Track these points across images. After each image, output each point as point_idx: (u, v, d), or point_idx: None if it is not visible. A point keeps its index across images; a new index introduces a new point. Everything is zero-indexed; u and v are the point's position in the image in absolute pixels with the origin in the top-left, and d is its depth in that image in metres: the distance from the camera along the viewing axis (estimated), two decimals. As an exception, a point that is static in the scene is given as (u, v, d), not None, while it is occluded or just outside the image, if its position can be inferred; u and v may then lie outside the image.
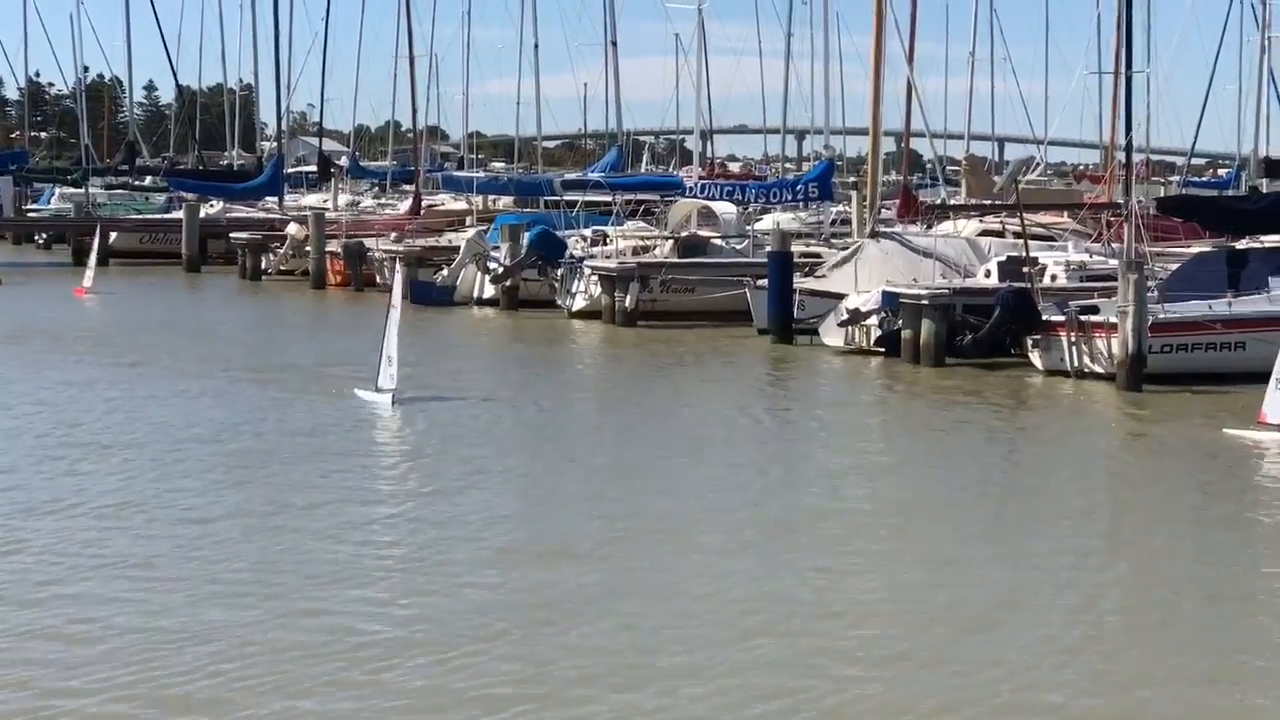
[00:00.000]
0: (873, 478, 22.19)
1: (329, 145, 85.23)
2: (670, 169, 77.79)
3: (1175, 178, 67.82)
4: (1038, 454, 24.18)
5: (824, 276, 38.62)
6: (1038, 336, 31.72)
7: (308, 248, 53.42)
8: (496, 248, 46.02)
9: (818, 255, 42.13)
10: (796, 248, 40.45)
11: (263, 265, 56.15)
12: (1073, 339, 31.12)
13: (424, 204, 60.48)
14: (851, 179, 60.67)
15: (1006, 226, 40.33)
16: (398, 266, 31.80)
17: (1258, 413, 24.73)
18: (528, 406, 27.74)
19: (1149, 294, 30.38)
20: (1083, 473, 22.66)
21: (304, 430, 24.60)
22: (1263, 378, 29.24)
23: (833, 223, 50.48)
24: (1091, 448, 25.01)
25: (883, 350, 34.32)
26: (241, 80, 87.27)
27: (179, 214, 62.85)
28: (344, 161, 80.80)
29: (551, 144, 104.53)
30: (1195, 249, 36.47)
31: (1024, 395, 29.76)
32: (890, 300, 34.29)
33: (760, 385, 31.73)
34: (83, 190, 71.85)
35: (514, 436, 24.70)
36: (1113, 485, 22.42)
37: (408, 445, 24.06)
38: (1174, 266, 34.25)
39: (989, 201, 46.53)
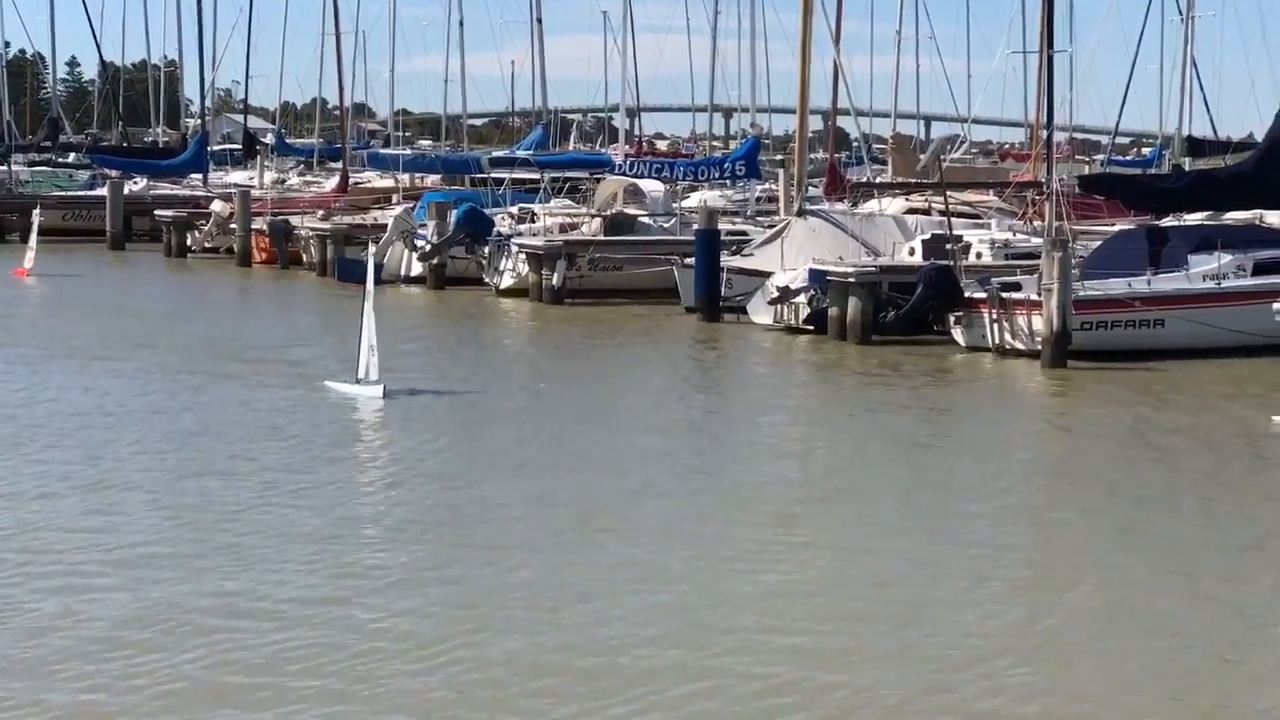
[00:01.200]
0: (792, 457, 22.39)
1: (254, 122, 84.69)
2: (598, 147, 77.63)
3: (1100, 156, 68.28)
4: (967, 433, 24.41)
5: (751, 255, 38.77)
6: (960, 313, 31.97)
7: (233, 225, 53.18)
8: (424, 225, 45.92)
9: (744, 233, 42.27)
10: (723, 226, 40.58)
11: (188, 243, 55.85)
12: (994, 316, 31.40)
13: (350, 181, 60.27)
14: (779, 157, 60.78)
15: (932, 205, 40.55)
16: (370, 248, 31.02)
17: None
18: (519, 394, 27.65)
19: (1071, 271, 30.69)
20: (1010, 452, 22.90)
21: (325, 438, 22.43)
22: (1181, 354, 29.74)
23: (759, 201, 50.65)
24: (1022, 427, 25.22)
25: (812, 328, 34.50)
26: (166, 56, 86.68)
27: (103, 191, 62.38)
28: (269, 139, 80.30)
29: (478, 122, 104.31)
30: (1119, 227, 36.84)
31: (949, 373, 29.98)
32: (818, 278, 34.47)
33: (686, 364, 31.84)
34: (4, 167, 71.16)
35: (544, 429, 24.04)
36: (1040, 463, 22.65)
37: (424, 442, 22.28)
38: (1097, 244, 34.60)
39: (914, 180, 46.76)
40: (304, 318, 38.83)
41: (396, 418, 24.11)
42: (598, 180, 48.87)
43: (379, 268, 45.54)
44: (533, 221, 44.71)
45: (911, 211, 42.26)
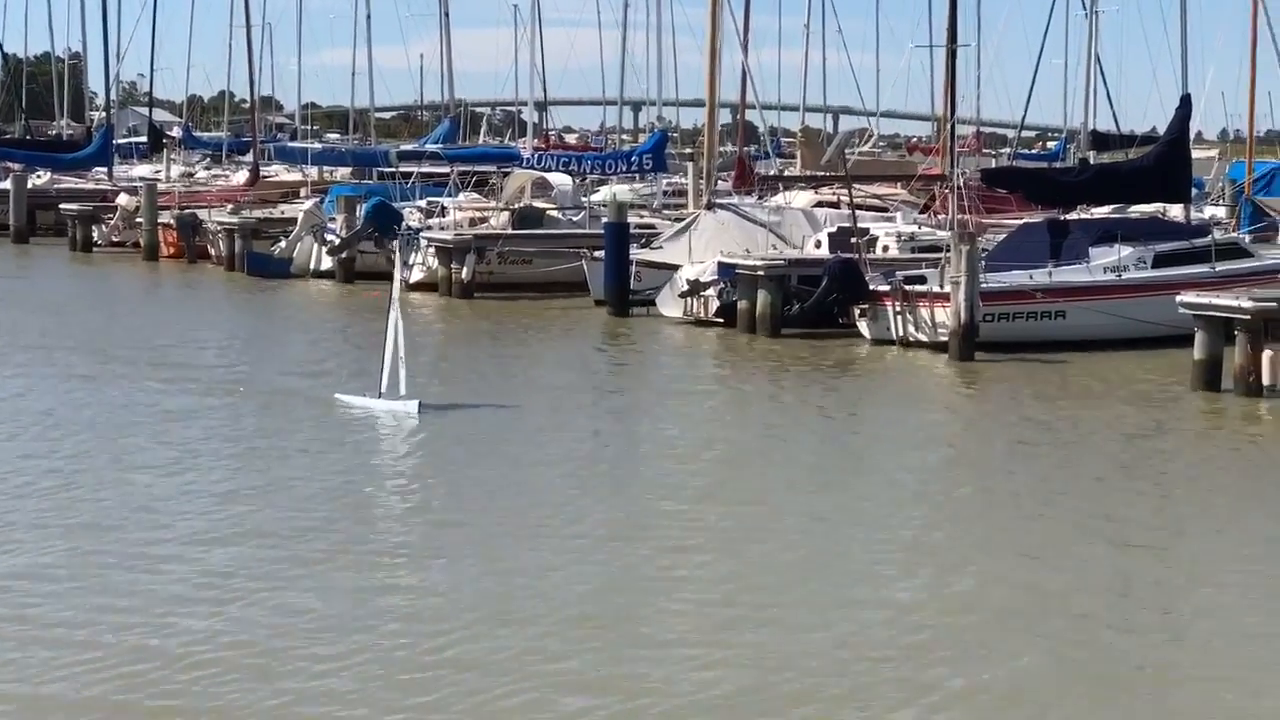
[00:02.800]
0: (696, 448, 22.56)
1: (161, 115, 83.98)
2: (507, 140, 77.59)
3: (1006, 150, 68.87)
4: (879, 426, 24.68)
5: (660, 248, 38.93)
6: (865, 306, 32.26)
7: (139, 219, 52.80)
8: (333, 219, 45.81)
9: (652, 227, 42.43)
10: (631, 219, 40.74)
11: (94, 237, 55.41)
12: (898, 309, 31.72)
13: (259, 175, 59.97)
14: (687, 150, 60.98)
15: (840, 198, 40.84)
16: (396, 256, 28.70)
17: None
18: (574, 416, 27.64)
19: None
20: (921, 443, 23.19)
21: (389, 472, 20.67)
22: (1082, 346, 30.19)
23: (666, 194, 50.83)
24: (933, 419, 25.51)
25: (721, 321, 34.71)
26: (70, 49, 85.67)
27: (6, 185, 61.70)
28: (176, 132, 79.71)
29: (387, 115, 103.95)
30: (1026, 220, 37.24)
31: (855, 365, 30.28)
32: (728, 271, 34.69)
33: (594, 359, 31.92)
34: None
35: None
36: (953, 456, 22.95)
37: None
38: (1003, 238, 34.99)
39: (821, 173, 47.05)
40: (241, 316, 38.64)
41: (442, 438, 22.30)
42: (506, 174, 48.91)
43: (288, 261, 45.74)
44: (441, 215, 44.70)
45: (820, 205, 42.54)
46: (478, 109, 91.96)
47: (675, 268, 36.81)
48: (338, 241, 44.63)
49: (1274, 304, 26.88)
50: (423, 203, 46.46)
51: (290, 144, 66.93)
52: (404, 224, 43.82)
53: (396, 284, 24.54)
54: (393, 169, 51.39)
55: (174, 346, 31.28)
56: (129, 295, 43.41)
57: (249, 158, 62.96)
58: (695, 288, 35.38)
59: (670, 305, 35.99)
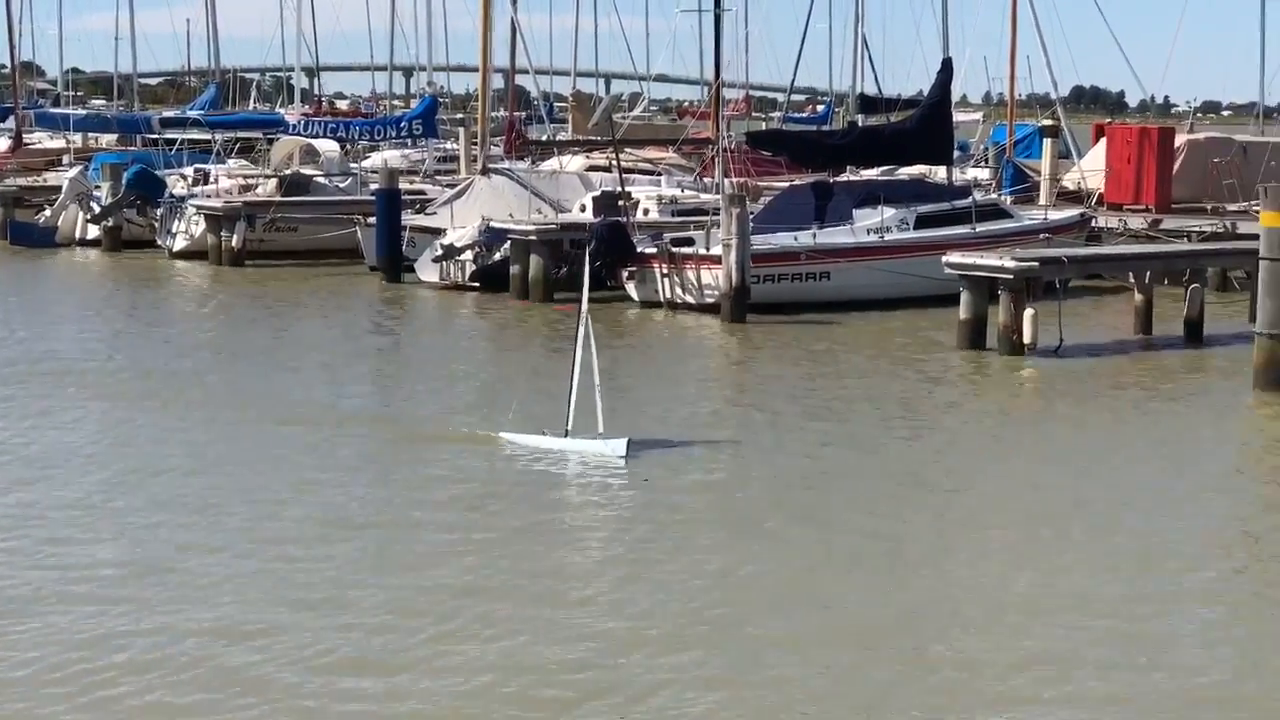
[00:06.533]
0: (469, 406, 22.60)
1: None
2: (278, 107, 76.59)
3: (776, 113, 69.61)
4: (657, 385, 24.87)
5: (434, 214, 38.81)
6: (633, 269, 32.48)
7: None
8: (98, 187, 44.97)
9: (423, 193, 42.27)
10: (402, 185, 40.52)
11: None
12: (665, 271, 32.00)
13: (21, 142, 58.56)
14: (459, 116, 60.75)
15: (611, 162, 41.01)
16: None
17: None
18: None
19: (740, 226, 31.40)
20: (695, 398, 23.42)
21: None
22: (846, 306, 30.76)
23: (440, 160, 50.62)
24: (712, 379, 25.79)
25: (478, 285, 34.72)
26: None
27: None
28: (-69, 99, 77.49)
29: (153, 81, 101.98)
30: (791, 183, 37.73)
31: (625, 327, 30.49)
32: (495, 235, 34.70)
33: (361, 324, 31.67)
34: None
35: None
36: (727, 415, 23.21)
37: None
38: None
39: (592, 138, 47.24)
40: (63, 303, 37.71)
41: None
42: (272, 141, 48.38)
43: (53, 230, 44.68)
44: (207, 182, 44.10)
45: (594, 169, 42.71)
46: (246, 75, 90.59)
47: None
48: (99, 210, 43.83)
49: (1035, 264, 27.64)
50: (188, 170, 45.78)
51: (52, 110, 65.42)
52: (168, 191, 43.16)
53: (585, 298, 20.08)
54: (156, 135, 50.53)
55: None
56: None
57: (10, 124, 61.42)
58: (450, 252, 35.35)
59: (428, 270, 35.90)
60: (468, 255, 35.08)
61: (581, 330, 19.28)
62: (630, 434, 18.90)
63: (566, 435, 19.14)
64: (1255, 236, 24.97)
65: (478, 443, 19.53)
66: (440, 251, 35.50)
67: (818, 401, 23.12)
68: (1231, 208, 38.24)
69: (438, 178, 46.36)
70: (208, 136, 49.41)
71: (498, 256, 34.66)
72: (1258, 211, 26.24)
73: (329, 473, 18.26)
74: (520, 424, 19.74)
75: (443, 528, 15.99)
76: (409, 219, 38.04)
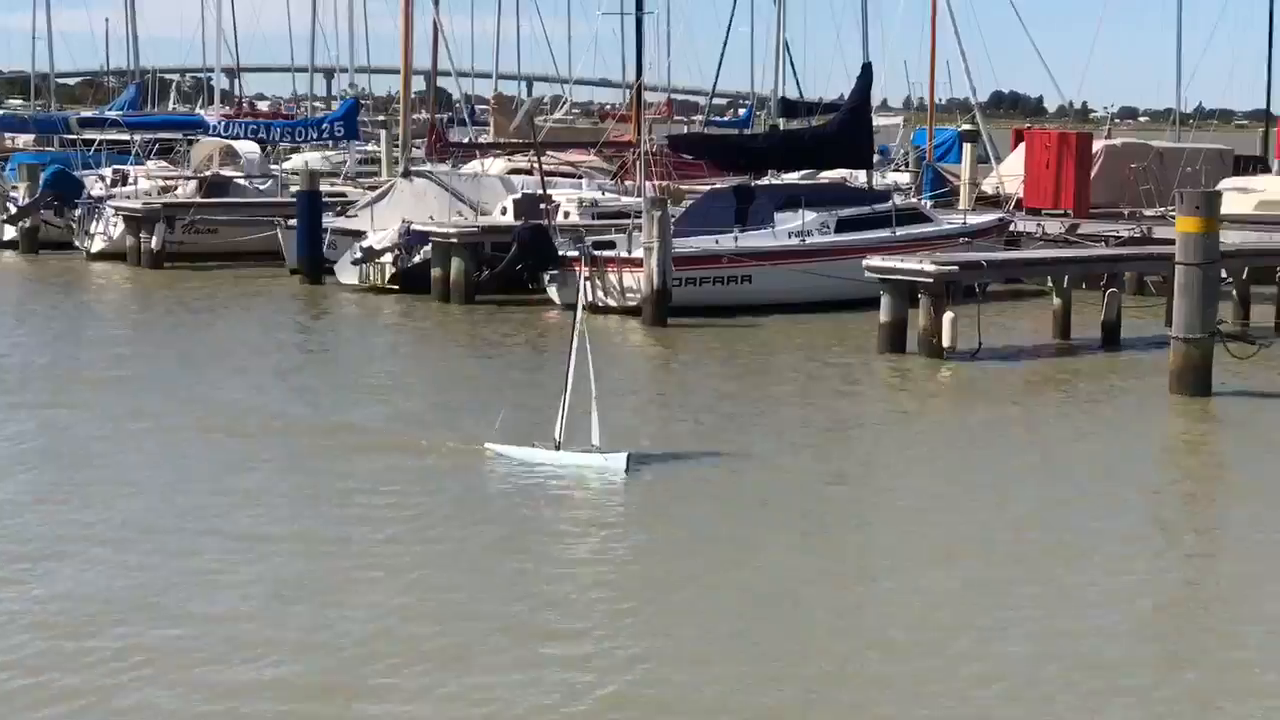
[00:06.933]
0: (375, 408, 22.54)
1: None
2: (198, 108, 76.12)
3: (698, 117, 69.71)
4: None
5: (356, 215, 38.69)
6: (555, 272, 32.49)
7: None
8: (15, 187, 44.60)
9: (344, 195, 42.14)
10: (323, 187, 40.36)
11: None
12: (587, 274, 32.03)
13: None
14: (380, 118, 60.58)
15: (532, 164, 40.99)
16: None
17: None
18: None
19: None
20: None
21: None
22: (767, 309, 30.88)
23: (361, 162, 50.48)
24: (634, 381, 25.79)
25: (397, 287, 34.65)
26: None
27: None
28: None
29: (72, 81, 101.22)
30: (712, 187, 37.80)
31: (552, 330, 30.49)
32: (416, 238, 34.66)
33: (283, 326, 31.54)
34: None
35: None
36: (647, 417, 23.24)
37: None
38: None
39: (513, 141, 47.21)
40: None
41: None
42: (192, 142, 48.10)
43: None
44: (126, 183, 43.79)
45: (515, 171, 42.69)
46: (166, 75, 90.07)
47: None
48: (15, 210, 43.50)
49: (955, 268, 27.83)
50: (107, 171, 45.46)
51: (-34, 110, 64.89)
52: (86, 192, 42.85)
53: (580, 306, 19.12)
54: (74, 136, 50.15)
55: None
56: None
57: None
58: (369, 254, 35.28)
59: (348, 272, 35.80)
60: (387, 258, 35.02)
61: (575, 342, 18.53)
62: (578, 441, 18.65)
63: (558, 449, 18.33)
64: (1171, 241, 25.23)
65: (464, 456, 18.78)
66: (360, 254, 35.41)
67: (738, 406, 23.14)
68: (1148, 213, 38.62)
69: (359, 180, 46.22)
70: (127, 137, 49.06)
71: (417, 259, 34.62)
72: (1173, 217, 26.56)
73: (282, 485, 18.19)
74: (482, 431, 19.54)
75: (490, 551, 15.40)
76: (330, 221, 37.92)
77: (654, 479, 18.10)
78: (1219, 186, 36.30)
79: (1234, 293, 30.22)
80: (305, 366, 27.04)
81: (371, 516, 16.33)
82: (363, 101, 59.24)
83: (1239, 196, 38.69)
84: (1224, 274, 27.03)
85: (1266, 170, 45.90)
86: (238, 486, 17.54)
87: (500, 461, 18.52)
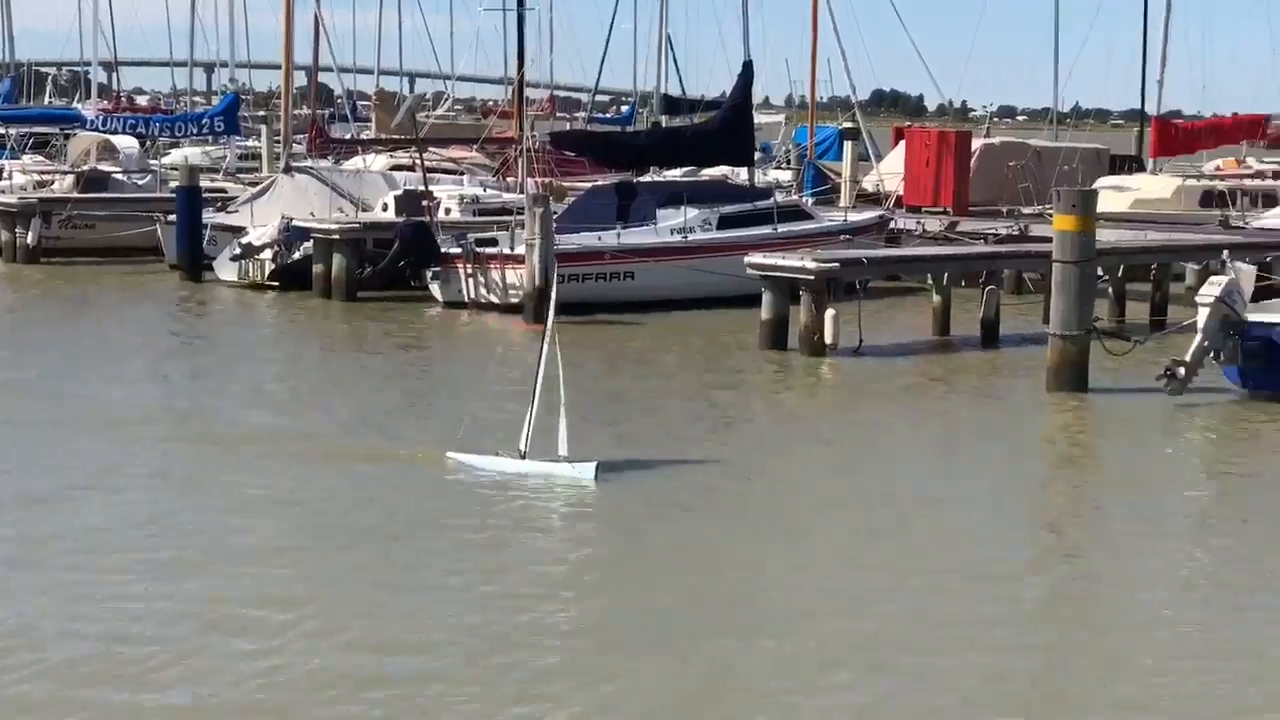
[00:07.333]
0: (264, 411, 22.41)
1: None
2: (75, 102, 75.26)
3: (581, 113, 69.77)
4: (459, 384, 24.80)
5: (236, 211, 38.39)
6: (437, 269, 32.42)
7: None
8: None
9: (224, 190, 41.81)
10: (204, 183, 40.04)
11: None
12: (470, 271, 31.99)
13: None
14: (261, 113, 60.15)
15: (414, 161, 40.89)
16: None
17: None
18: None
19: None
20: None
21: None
22: (650, 306, 30.95)
23: (242, 157, 50.11)
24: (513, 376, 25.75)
25: (277, 284, 34.44)
26: None
27: None
28: None
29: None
30: (594, 184, 37.85)
31: (435, 327, 30.43)
32: (297, 234, 34.46)
33: (164, 324, 31.19)
34: None
35: None
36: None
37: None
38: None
39: (395, 137, 47.09)
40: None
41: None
42: (68, 136, 47.53)
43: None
44: (0, 178, 43.17)
45: (397, 168, 42.56)
46: (42, 69, 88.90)
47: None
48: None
49: (836, 265, 28.01)
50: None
51: None
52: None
53: (550, 315, 18.42)
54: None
55: None
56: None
57: None
58: (248, 251, 35.04)
59: (226, 268, 35.52)
60: (267, 254, 34.79)
61: (545, 349, 17.83)
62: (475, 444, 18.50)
63: (524, 457, 17.74)
64: (1048, 239, 25.54)
65: (427, 463, 18.22)
66: (239, 250, 35.15)
67: (623, 405, 23.18)
68: (1026, 211, 39.06)
69: (239, 175, 45.87)
70: (1, 131, 48.38)
71: (297, 255, 34.42)
72: (1051, 215, 26.88)
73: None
74: (418, 436, 19.41)
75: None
76: (210, 217, 37.58)
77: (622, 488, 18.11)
78: (1095, 185, 36.84)
79: (1110, 290, 30.64)
80: (185, 365, 26.82)
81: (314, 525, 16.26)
82: (243, 97, 58.76)
83: (1115, 195, 39.29)
84: (1100, 272, 27.37)
85: (1141, 169, 46.57)
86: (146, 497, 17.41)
87: (465, 472, 17.87)
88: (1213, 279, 24.24)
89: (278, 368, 26.67)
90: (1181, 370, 23.04)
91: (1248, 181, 44.38)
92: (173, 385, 24.39)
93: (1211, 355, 23.38)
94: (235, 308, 33.00)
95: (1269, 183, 44.78)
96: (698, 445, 20.19)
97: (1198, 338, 23.29)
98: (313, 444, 19.43)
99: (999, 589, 14.35)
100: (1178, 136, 44.90)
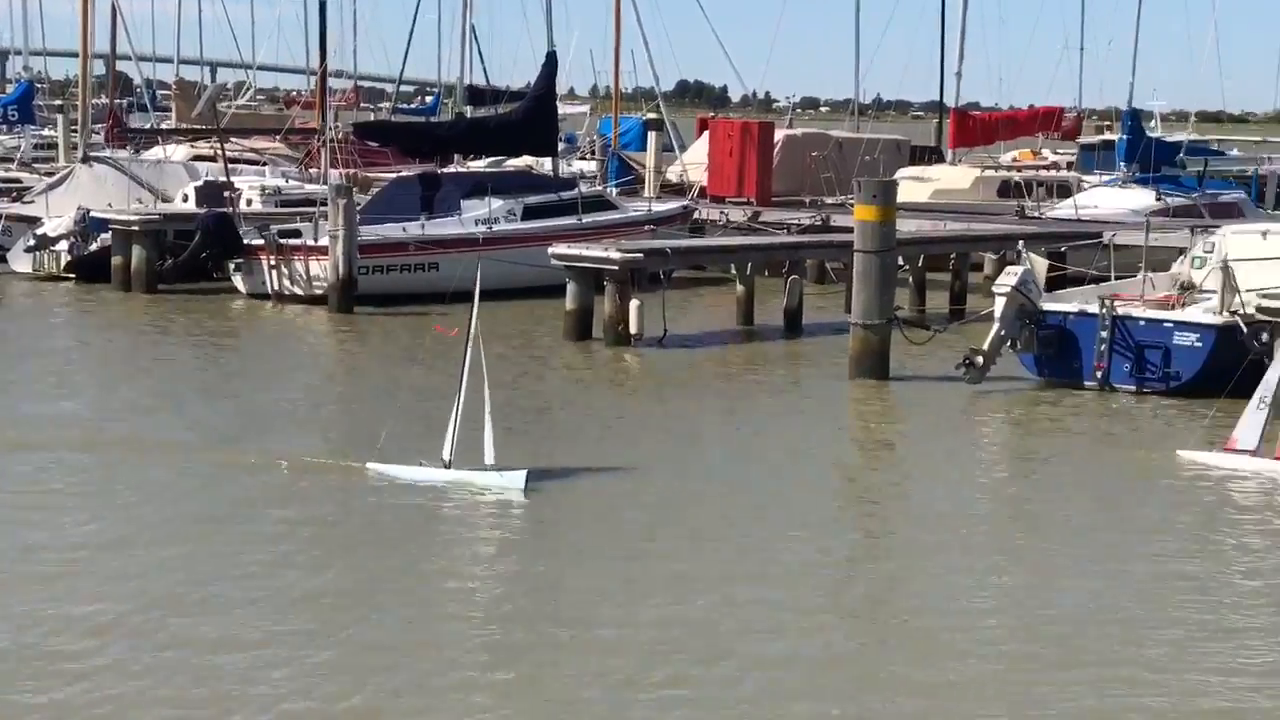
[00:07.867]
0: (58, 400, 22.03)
1: None
2: None
3: (385, 104, 69.26)
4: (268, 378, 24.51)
5: (32, 202, 37.63)
6: (240, 260, 32.05)
7: None
8: None
9: (18, 181, 41.01)
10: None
11: None
12: (273, 262, 31.66)
13: None
14: (57, 102, 58.94)
15: (215, 151, 40.33)
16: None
17: (1226, 439, 19.25)
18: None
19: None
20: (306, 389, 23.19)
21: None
22: (454, 297, 30.69)
23: (37, 147, 49.14)
24: (321, 365, 25.55)
25: (73, 276, 33.84)
26: None
27: None
28: None
29: None
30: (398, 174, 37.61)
31: (239, 320, 30.06)
32: (95, 225, 33.90)
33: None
34: None
35: None
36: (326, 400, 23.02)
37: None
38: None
39: (196, 127, 46.44)
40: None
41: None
42: None
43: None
44: None
45: (198, 158, 41.94)
46: None
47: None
48: None
49: (640, 255, 28.15)
50: None
51: None
52: None
53: (475, 317, 17.58)
54: None
55: None
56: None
57: None
58: (44, 242, 34.41)
59: (21, 260, 34.84)
60: (63, 245, 34.18)
61: (469, 354, 17.26)
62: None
63: (448, 466, 17.15)
64: (850, 229, 25.86)
65: (346, 474, 17.52)
66: (34, 241, 34.49)
67: (420, 397, 23.02)
68: (828, 201, 39.51)
69: (35, 165, 44.96)
70: None
71: (94, 246, 33.84)
72: (852, 205, 27.22)
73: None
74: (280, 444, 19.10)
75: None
76: (4, 207, 36.92)
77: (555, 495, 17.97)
78: (896, 176, 37.35)
79: (910, 280, 31.12)
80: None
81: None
82: (38, 85, 57.54)
83: (915, 185, 39.87)
84: (901, 261, 27.77)
85: (941, 160, 47.32)
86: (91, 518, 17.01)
87: (386, 483, 17.21)
88: (1009, 269, 24.77)
89: (73, 360, 26.12)
90: (980, 359, 23.49)
91: (1043, 172, 45.30)
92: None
93: (1008, 344, 23.86)
94: (28, 300, 32.31)
95: (1063, 174, 45.76)
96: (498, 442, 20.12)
97: (995, 326, 23.75)
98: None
99: (808, 576, 14.52)
100: (975, 128, 45.63)
